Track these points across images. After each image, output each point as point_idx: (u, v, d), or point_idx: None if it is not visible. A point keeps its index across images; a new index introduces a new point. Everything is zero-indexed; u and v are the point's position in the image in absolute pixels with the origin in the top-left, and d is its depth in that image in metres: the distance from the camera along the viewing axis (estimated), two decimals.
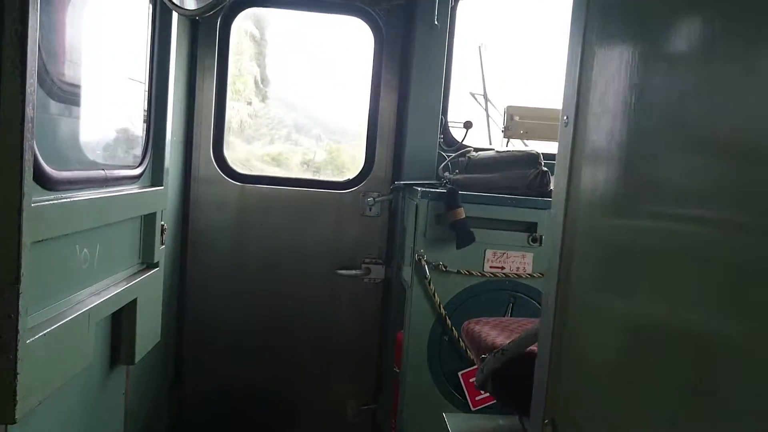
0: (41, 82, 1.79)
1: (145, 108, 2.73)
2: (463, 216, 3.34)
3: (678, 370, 0.88)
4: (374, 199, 4.23)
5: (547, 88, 4.48)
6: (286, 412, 4.35)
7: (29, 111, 1.59)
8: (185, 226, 4.17)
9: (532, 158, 3.57)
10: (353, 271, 4.25)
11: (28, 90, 1.58)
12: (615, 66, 1.02)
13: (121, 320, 2.55)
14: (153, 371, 3.60)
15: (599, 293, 1.13)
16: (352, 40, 4.34)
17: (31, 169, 1.63)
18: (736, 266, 0.79)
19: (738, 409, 0.76)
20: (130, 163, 2.61)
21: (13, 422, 1.64)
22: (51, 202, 1.81)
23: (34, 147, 1.66)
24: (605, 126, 1.04)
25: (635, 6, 1.04)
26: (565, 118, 1.16)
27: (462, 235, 3.33)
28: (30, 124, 1.60)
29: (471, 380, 3.44)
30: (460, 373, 3.44)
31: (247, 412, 4.32)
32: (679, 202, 0.90)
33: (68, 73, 2.08)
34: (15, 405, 1.62)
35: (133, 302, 2.53)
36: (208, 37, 4.09)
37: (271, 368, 4.32)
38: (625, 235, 1.04)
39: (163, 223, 2.83)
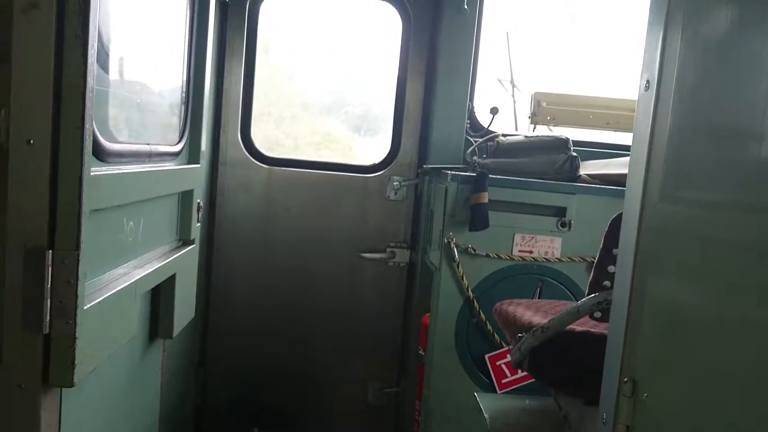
0: (97, 55, 1.82)
1: (184, 87, 2.76)
2: (486, 201, 3.35)
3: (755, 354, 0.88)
4: (400, 183, 4.25)
5: (574, 74, 4.47)
6: (309, 393, 4.40)
7: (90, 81, 1.63)
8: (212, 208, 4.21)
9: (561, 143, 3.58)
10: (378, 255, 4.28)
11: (89, 60, 1.61)
12: (712, 16, 0.96)
13: (159, 295, 2.59)
14: (182, 349, 3.65)
15: (679, 269, 1.11)
16: (380, 25, 4.35)
17: (91, 139, 1.66)
18: None
19: None
20: (169, 139, 2.64)
21: (71, 386, 1.68)
22: (106, 172, 1.85)
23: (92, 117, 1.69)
24: (696, 91, 1.00)
25: None
26: (645, 81, 1.14)
27: (478, 218, 3.33)
28: (91, 94, 1.63)
29: (498, 363, 3.46)
30: (487, 356, 3.46)
31: (270, 393, 4.36)
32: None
33: (117, 48, 2.11)
34: (74, 369, 1.66)
35: (172, 277, 2.56)
36: (237, 21, 4.11)
37: (294, 350, 4.36)
38: (714, 216, 1.01)
39: (199, 200, 2.87)
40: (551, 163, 3.55)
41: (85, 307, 1.71)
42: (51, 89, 1.59)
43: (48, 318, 1.63)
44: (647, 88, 1.13)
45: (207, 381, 4.31)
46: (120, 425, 2.37)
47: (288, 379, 4.36)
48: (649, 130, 1.10)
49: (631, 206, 1.15)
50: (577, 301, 2.66)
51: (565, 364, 2.16)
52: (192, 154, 2.80)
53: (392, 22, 4.21)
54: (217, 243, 4.25)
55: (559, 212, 3.43)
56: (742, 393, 0.87)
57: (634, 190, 1.15)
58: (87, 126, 1.62)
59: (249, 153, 4.22)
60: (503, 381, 3.46)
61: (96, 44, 1.64)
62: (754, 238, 0.91)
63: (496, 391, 3.47)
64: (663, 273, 1.11)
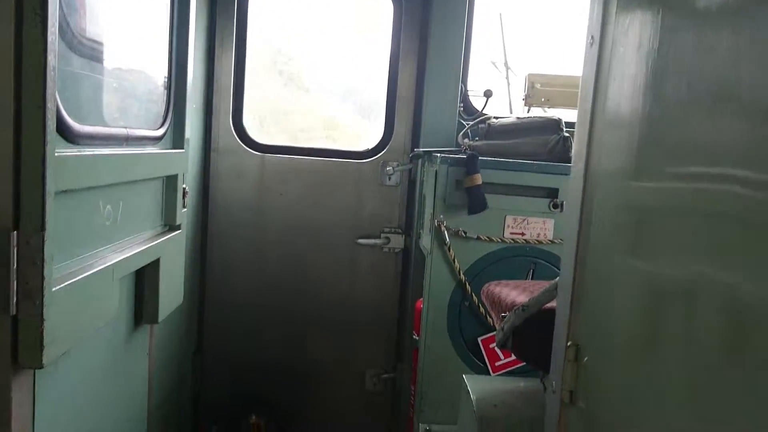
0: (62, 34, 1.80)
1: (167, 71, 2.74)
2: (480, 182, 3.31)
3: (690, 317, 0.86)
4: (393, 168, 4.22)
5: (569, 55, 4.40)
6: (306, 380, 4.40)
7: (51, 59, 1.60)
8: (206, 196, 4.21)
9: (553, 124, 3.53)
10: (373, 241, 4.26)
11: (49, 38, 1.59)
12: None
13: (144, 280, 2.58)
14: (177, 337, 3.65)
15: (623, 230, 1.10)
16: (372, 8, 4.31)
17: (54, 119, 1.64)
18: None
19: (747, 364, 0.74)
20: (150, 124, 2.63)
21: (41, 367, 1.67)
22: (74, 153, 1.83)
23: (56, 97, 1.67)
24: (637, 48, 0.98)
25: None
26: (590, 37, 1.11)
27: (475, 201, 3.30)
28: (52, 73, 1.61)
29: (491, 346, 3.44)
30: (479, 339, 3.44)
31: (267, 380, 4.37)
32: (710, 156, 0.84)
33: (90, 29, 2.09)
34: (42, 350, 1.65)
35: (156, 262, 2.55)
36: (226, 6, 4.08)
37: (290, 337, 4.36)
38: (652, 183, 0.99)
39: (185, 186, 2.85)
40: (543, 144, 3.51)
41: (54, 289, 1.69)
42: (12, 69, 1.57)
43: (15, 299, 1.62)
44: (591, 44, 1.09)
45: (205, 369, 4.32)
46: (102, 408, 2.37)
47: (285, 365, 4.37)
48: (592, 87, 1.07)
49: (576, 170, 1.12)
50: None
51: (547, 343, 2.12)
52: (176, 139, 2.78)
53: (384, 5, 4.16)
54: (211, 230, 4.24)
55: (551, 193, 3.39)
56: (673, 353, 0.85)
57: (578, 154, 1.12)
58: (49, 105, 1.61)
59: (241, 140, 4.21)
60: (497, 364, 3.44)
61: (56, 22, 1.62)
62: (691, 205, 0.88)
63: (489, 374, 3.45)
64: (604, 240, 1.08)
